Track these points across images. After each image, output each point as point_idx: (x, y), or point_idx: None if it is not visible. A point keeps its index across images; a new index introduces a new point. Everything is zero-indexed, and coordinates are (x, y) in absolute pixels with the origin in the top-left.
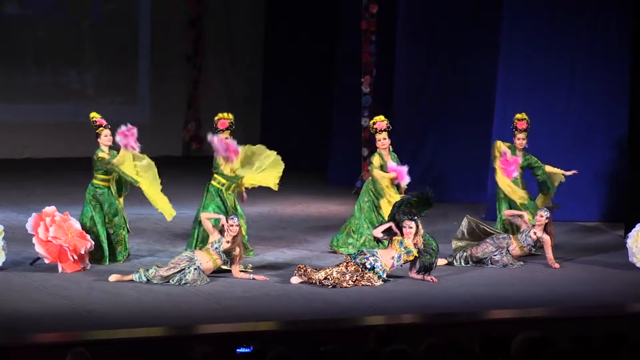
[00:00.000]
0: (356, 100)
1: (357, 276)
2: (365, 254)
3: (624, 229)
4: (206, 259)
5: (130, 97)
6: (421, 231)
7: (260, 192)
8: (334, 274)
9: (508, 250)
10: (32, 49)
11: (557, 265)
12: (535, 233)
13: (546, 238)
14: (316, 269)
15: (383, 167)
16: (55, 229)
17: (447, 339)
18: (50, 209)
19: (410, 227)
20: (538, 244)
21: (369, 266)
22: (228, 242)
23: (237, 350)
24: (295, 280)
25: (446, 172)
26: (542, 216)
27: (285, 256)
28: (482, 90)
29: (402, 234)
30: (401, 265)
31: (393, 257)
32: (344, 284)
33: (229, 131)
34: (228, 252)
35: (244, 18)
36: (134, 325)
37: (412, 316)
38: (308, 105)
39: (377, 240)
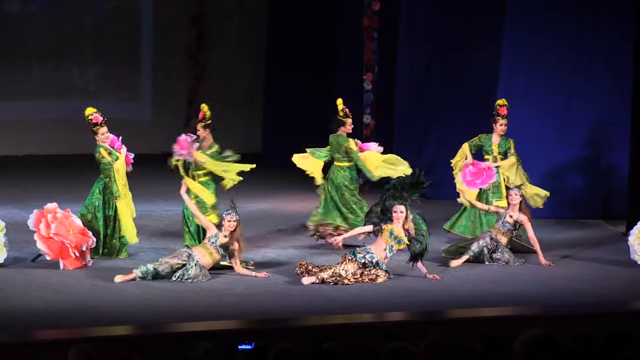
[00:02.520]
0: (358, 97)
1: (359, 273)
2: (360, 253)
3: (625, 226)
4: (203, 253)
5: (132, 94)
6: (410, 215)
7: (261, 190)
8: (337, 271)
9: (504, 247)
10: (34, 46)
11: (537, 245)
12: (511, 216)
13: (523, 217)
14: (318, 266)
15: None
16: (56, 226)
17: (448, 337)
18: (51, 205)
19: (401, 212)
20: (517, 225)
21: (370, 263)
22: (225, 236)
23: (239, 347)
24: (307, 280)
25: (448, 169)
26: (515, 195)
27: (287, 253)
28: (484, 87)
29: (391, 220)
30: (393, 255)
31: (385, 249)
32: (345, 281)
33: (203, 123)
34: (225, 247)
35: (246, 15)
36: (136, 322)
37: (413, 313)
38: (310, 102)
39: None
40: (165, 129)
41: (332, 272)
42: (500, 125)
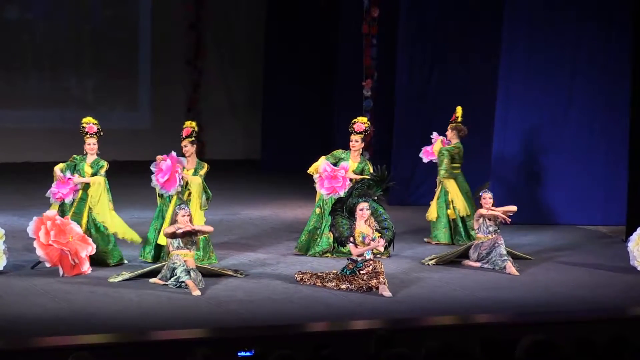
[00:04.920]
0: (358, 103)
1: (358, 285)
2: (349, 267)
3: (625, 232)
4: (181, 255)
5: (130, 103)
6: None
7: (260, 196)
8: (339, 284)
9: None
10: (32, 55)
11: (509, 221)
12: (489, 219)
13: (496, 213)
14: (315, 274)
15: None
16: (56, 233)
17: (448, 343)
18: (51, 212)
19: (368, 210)
20: (497, 221)
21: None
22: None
23: (239, 353)
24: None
25: None
26: (485, 198)
27: (286, 259)
28: (483, 93)
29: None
30: (374, 256)
31: (362, 255)
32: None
33: (190, 139)
34: (190, 241)
35: (244, 21)
36: (136, 328)
37: (413, 320)
38: (309, 108)
39: (341, 244)
40: (165, 137)
41: (333, 285)
42: (351, 141)
